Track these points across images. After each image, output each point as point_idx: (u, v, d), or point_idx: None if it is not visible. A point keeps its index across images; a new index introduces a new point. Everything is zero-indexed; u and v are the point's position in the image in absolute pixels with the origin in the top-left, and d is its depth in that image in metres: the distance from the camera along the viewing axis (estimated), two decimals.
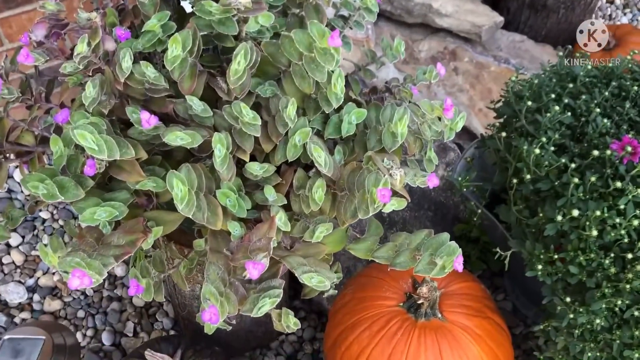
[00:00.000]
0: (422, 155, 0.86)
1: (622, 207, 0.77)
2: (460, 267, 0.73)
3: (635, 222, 0.75)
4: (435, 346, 0.92)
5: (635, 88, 0.89)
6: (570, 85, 0.93)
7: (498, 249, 0.90)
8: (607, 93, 0.90)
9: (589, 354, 0.82)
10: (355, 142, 0.78)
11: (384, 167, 0.70)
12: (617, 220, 0.76)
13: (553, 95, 0.92)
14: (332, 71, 0.72)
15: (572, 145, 0.87)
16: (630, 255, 0.76)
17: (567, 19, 1.73)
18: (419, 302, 0.91)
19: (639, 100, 0.89)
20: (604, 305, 0.78)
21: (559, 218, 0.79)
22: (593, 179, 0.79)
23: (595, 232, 0.77)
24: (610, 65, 0.96)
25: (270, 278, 0.70)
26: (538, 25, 1.75)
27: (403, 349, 0.92)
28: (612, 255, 0.78)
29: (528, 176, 0.85)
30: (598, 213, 0.77)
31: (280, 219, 0.70)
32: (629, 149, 0.79)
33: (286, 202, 0.73)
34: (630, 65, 0.95)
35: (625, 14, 1.98)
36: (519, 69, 1.05)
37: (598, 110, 0.86)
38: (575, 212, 0.78)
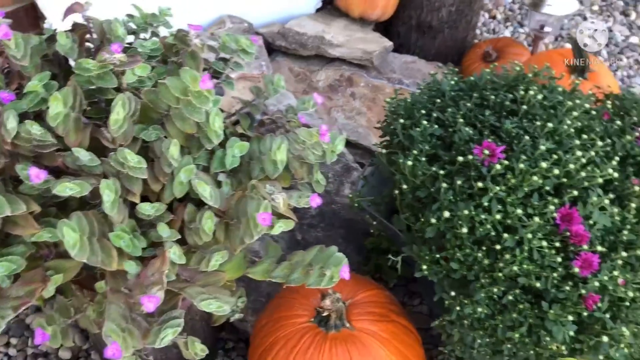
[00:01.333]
0: (310, 178, 0.93)
1: (486, 204, 0.86)
2: (346, 275, 0.80)
3: (498, 217, 0.85)
4: (346, 355, 0.97)
5: (493, 97, 1.00)
6: (439, 100, 1.03)
7: (390, 255, 0.98)
8: (469, 104, 1.00)
9: (479, 341, 0.90)
10: (241, 173, 0.84)
11: (266, 193, 0.77)
12: (483, 216, 0.85)
13: (424, 111, 1.02)
14: (211, 111, 0.78)
15: (443, 154, 0.96)
16: (498, 247, 0.85)
17: (452, 37, 1.87)
18: (324, 314, 0.97)
19: (497, 108, 1.00)
20: (483, 295, 0.86)
21: (433, 221, 0.87)
22: (459, 182, 0.88)
23: (465, 230, 0.85)
24: (473, 78, 1.07)
25: (171, 309, 0.75)
26: (427, 45, 1.88)
27: None
28: (484, 248, 0.87)
29: (405, 186, 0.93)
30: (466, 212, 0.86)
31: (175, 253, 0.75)
32: (487, 152, 0.88)
33: (180, 237, 0.78)
34: (489, 77, 1.06)
35: (507, 27, 2.14)
36: (397, 90, 1.14)
37: (462, 120, 0.96)
38: (447, 214, 0.87)
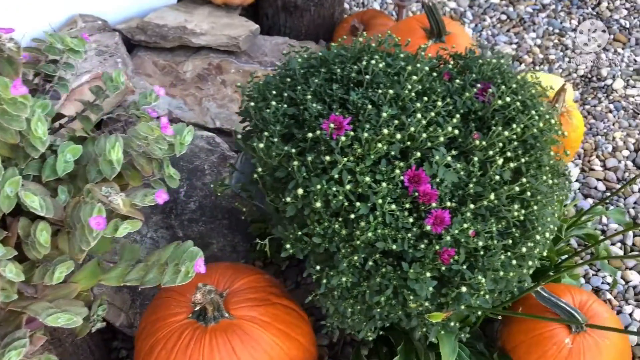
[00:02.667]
0: (162, 173, 0.91)
1: (337, 176, 0.87)
2: (202, 269, 0.79)
3: (348, 187, 0.86)
4: (227, 344, 0.97)
5: (339, 70, 1.01)
6: (289, 79, 1.03)
7: (258, 239, 0.98)
8: (317, 80, 1.01)
9: (350, 310, 0.92)
10: (79, 178, 0.80)
11: (102, 196, 0.74)
12: (335, 188, 0.86)
13: (275, 92, 1.01)
14: (33, 116, 0.74)
15: (297, 133, 0.96)
16: (352, 216, 0.87)
17: (319, 14, 1.88)
18: (196, 308, 0.96)
19: (345, 80, 1.01)
20: (345, 265, 0.88)
21: (288, 199, 0.88)
22: (310, 158, 0.89)
23: (319, 204, 0.86)
24: (321, 54, 1.08)
25: (15, 330, 0.71)
26: (296, 25, 1.88)
27: (198, 357, 0.96)
28: (341, 219, 0.88)
29: (260, 169, 0.93)
30: (319, 186, 0.87)
31: (11, 271, 0.71)
32: (332, 125, 0.89)
33: (17, 253, 0.74)
34: (336, 51, 1.08)
35: (375, 0, 2.18)
36: (253, 74, 1.13)
37: (310, 97, 0.97)
38: (301, 191, 0.87)
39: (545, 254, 0.99)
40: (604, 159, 1.68)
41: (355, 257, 0.88)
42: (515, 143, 0.94)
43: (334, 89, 0.98)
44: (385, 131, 0.87)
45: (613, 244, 1.50)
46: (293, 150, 0.91)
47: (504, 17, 2.13)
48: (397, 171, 0.87)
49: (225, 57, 1.67)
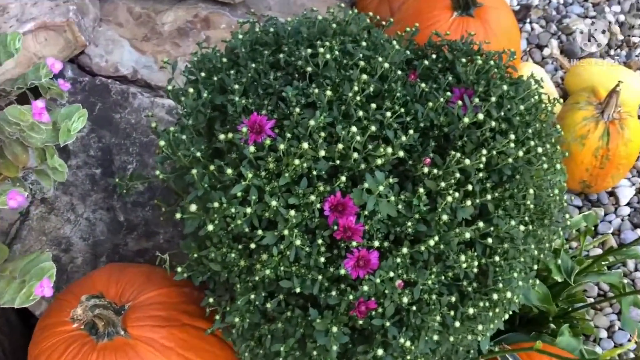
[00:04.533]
0: (46, 164, 0.88)
1: (239, 194, 0.80)
2: (47, 292, 0.76)
3: (249, 210, 0.79)
4: None
5: (282, 55, 0.93)
6: (225, 59, 0.96)
7: (159, 253, 0.93)
8: (254, 65, 0.93)
9: (246, 354, 0.87)
10: None
11: None
12: (233, 209, 0.80)
13: (204, 74, 0.95)
14: None
15: (219, 130, 0.90)
16: (253, 245, 0.80)
17: None
18: (74, 325, 0.94)
19: (291, 68, 0.93)
20: (240, 303, 0.83)
21: (178, 215, 0.83)
22: (212, 167, 0.83)
23: (211, 227, 0.80)
24: (273, 30, 1.00)
25: None
26: None
27: None
28: (240, 247, 0.82)
29: (158, 172, 0.88)
30: (216, 205, 0.81)
31: None
32: (245, 129, 0.82)
33: None
34: (290, 28, 0.99)
35: None
36: (201, 43, 1.07)
37: (237, 86, 0.90)
38: (193, 207, 0.82)
39: (507, 316, 0.89)
40: None
41: (253, 296, 0.82)
42: (481, 174, 0.84)
43: (271, 78, 0.91)
44: (305, 145, 0.79)
45: None
46: (198, 154, 0.85)
47: None
48: (313, 197, 0.79)
49: (217, 8, 1.60)
